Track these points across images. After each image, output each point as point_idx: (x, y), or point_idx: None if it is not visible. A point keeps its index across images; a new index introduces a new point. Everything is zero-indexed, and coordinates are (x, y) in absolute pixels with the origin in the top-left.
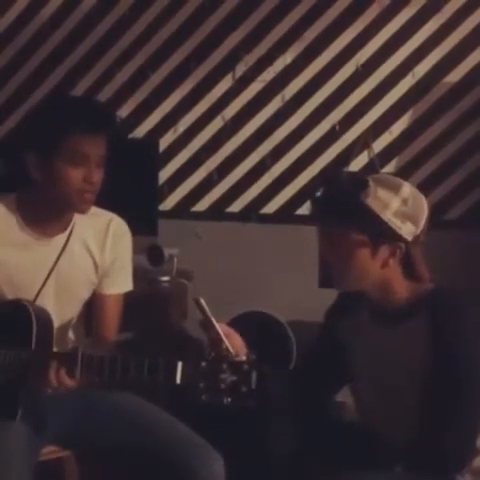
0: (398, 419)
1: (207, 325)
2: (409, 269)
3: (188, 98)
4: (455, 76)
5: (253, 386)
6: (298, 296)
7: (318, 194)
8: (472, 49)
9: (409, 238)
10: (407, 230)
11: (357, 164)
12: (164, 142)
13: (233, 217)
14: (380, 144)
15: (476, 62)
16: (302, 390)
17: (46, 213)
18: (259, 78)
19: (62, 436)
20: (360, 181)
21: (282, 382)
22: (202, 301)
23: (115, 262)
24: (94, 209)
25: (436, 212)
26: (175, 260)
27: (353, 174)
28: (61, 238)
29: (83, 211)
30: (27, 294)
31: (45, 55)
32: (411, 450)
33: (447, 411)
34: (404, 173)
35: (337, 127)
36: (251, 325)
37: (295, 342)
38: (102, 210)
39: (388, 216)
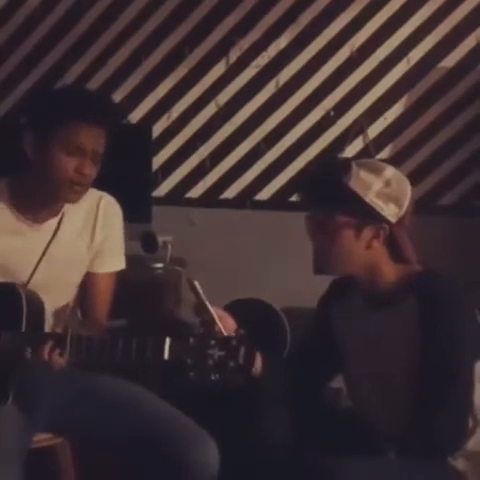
0: (390, 404)
1: (201, 307)
2: (395, 251)
3: (181, 84)
4: (450, 61)
5: (241, 361)
6: (293, 283)
7: (303, 178)
8: (467, 34)
9: (393, 220)
10: (390, 211)
11: (352, 150)
12: (157, 128)
13: (227, 203)
14: (375, 130)
15: (471, 47)
16: (297, 377)
17: (38, 198)
18: (253, 63)
19: (57, 422)
20: (343, 164)
21: (277, 367)
22: (196, 283)
23: (106, 241)
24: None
25: (430, 197)
26: (169, 247)
27: (337, 158)
28: (52, 223)
29: (71, 202)
30: (19, 279)
31: (36, 41)
32: (404, 435)
33: (438, 394)
34: (399, 158)
35: (332, 113)
36: (245, 312)
37: (289, 329)
38: (92, 189)
39: (370, 197)
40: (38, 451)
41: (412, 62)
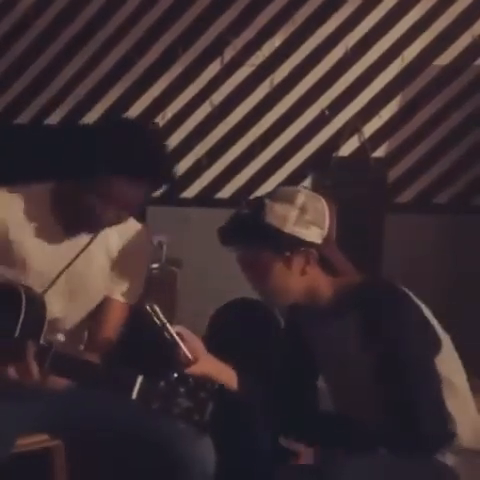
0: (361, 407)
1: (163, 331)
2: (329, 268)
3: (176, 83)
4: (445, 59)
5: (207, 417)
6: None
7: (222, 226)
8: (461, 32)
9: (318, 241)
10: (314, 235)
11: (347, 149)
12: None
13: (223, 203)
14: (370, 128)
15: (466, 45)
16: (291, 379)
17: (74, 211)
18: (248, 62)
19: (54, 422)
20: (255, 203)
21: (255, 388)
22: (156, 308)
23: (132, 273)
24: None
25: (426, 196)
26: (164, 247)
27: (251, 199)
28: (85, 238)
29: (93, 232)
30: (38, 287)
31: (29, 41)
32: (385, 435)
33: (405, 395)
34: (394, 157)
35: (327, 111)
36: (241, 312)
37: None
38: (133, 219)
39: (290, 227)
40: (33, 454)
41: (407, 60)
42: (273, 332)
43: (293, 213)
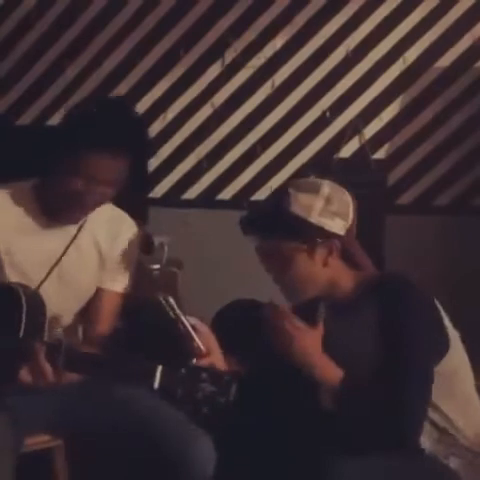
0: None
1: (177, 323)
2: (350, 261)
3: (177, 85)
4: (446, 61)
5: (231, 398)
6: None
7: (244, 216)
8: (462, 33)
9: (342, 233)
10: (338, 226)
11: (347, 150)
12: (153, 129)
13: (224, 204)
14: (371, 130)
15: (467, 46)
16: (291, 380)
17: (59, 199)
18: (248, 64)
19: (55, 422)
20: (279, 192)
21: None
22: (171, 300)
23: (122, 262)
24: (112, 207)
25: (426, 198)
26: (165, 248)
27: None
28: (72, 230)
29: (69, 222)
30: (31, 282)
31: (31, 43)
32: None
33: (394, 389)
34: (395, 159)
35: (327, 113)
36: (242, 313)
37: None
38: (119, 210)
39: (315, 217)
40: (34, 454)
41: (408, 62)
42: None
43: (319, 203)
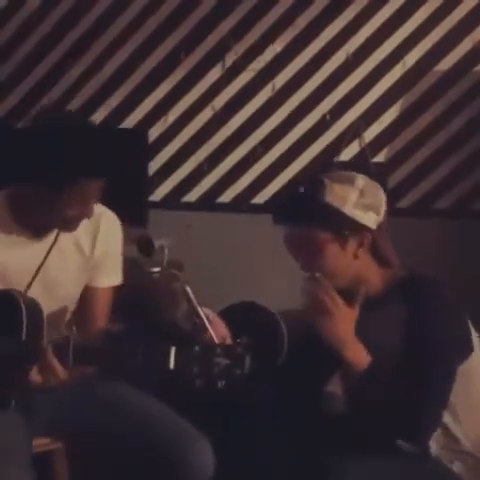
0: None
1: (192, 313)
2: (379, 257)
3: (178, 88)
4: (446, 64)
5: (246, 369)
6: (290, 286)
7: (278, 203)
8: (462, 37)
9: (373, 227)
10: (370, 219)
11: (348, 154)
12: (154, 132)
13: (224, 207)
14: (371, 133)
15: (467, 50)
16: (292, 382)
17: (37, 212)
18: (249, 67)
19: (56, 424)
20: (315, 181)
21: (267, 383)
22: (188, 289)
23: (106, 256)
24: None
25: (426, 201)
26: (166, 251)
27: (308, 178)
28: (51, 236)
29: (66, 232)
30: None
31: (32, 46)
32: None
33: (412, 389)
34: (395, 162)
35: (328, 116)
36: (242, 316)
37: (287, 332)
38: (97, 206)
39: (349, 209)
40: (35, 456)
41: (408, 66)
42: (274, 335)
43: (353, 195)
